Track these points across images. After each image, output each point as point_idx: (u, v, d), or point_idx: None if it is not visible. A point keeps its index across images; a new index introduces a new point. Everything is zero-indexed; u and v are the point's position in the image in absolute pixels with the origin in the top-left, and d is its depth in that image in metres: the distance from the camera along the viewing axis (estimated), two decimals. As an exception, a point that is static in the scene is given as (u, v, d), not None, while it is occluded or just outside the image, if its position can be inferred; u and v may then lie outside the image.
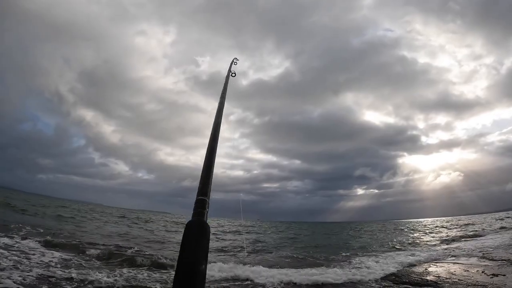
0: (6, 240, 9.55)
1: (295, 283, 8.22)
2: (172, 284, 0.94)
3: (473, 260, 10.62)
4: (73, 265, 8.22)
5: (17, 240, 10.03)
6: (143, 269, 8.80)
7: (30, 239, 10.53)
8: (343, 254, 14.12)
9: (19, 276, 6.32)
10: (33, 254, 8.50)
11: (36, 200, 39.15)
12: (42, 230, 13.20)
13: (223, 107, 1.81)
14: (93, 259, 9.32)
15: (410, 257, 12.59)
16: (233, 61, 2.86)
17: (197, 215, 1.12)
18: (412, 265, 10.79)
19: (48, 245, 10.14)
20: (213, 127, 1.58)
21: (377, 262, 11.59)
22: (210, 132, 1.51)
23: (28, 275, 6.54)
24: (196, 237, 1.03)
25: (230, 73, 2.56)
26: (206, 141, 1.44)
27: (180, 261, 0.97)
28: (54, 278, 6.71)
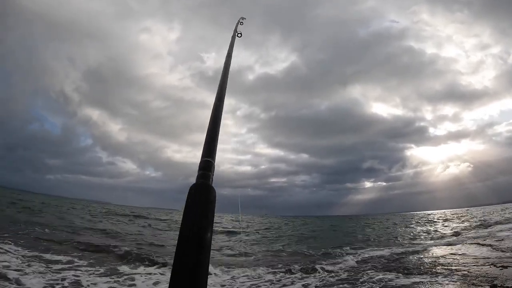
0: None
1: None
2: (174, 254, 0.84)
3: (483, 251, 10.55)
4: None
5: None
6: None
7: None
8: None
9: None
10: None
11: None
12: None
13: (229, 66, 1.82)
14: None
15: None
16: (239, 21, 2.70)
17: (201, 177, 1.00)
18: (420, 255, 10.81)
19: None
20: (220, 83, 1.56)
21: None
22: (211, 111, 1.48)
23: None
24: (200, 202, 0.92)
25: (236, 33, 2.45)
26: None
27: (183, 229, 0.87)
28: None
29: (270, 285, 7.83)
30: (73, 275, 7.12)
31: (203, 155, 1.09)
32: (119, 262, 9.21)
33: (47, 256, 8.65)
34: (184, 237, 0.85)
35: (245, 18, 2.77)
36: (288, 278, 8.46)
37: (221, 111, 1.37)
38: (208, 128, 1.23)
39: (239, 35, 2.49)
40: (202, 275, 0.82)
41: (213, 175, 1.03)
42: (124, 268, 8.41)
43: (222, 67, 1.77)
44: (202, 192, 0.95)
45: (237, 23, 2.65)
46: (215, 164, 1.09)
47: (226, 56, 1.95)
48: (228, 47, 2.09)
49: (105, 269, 8.03)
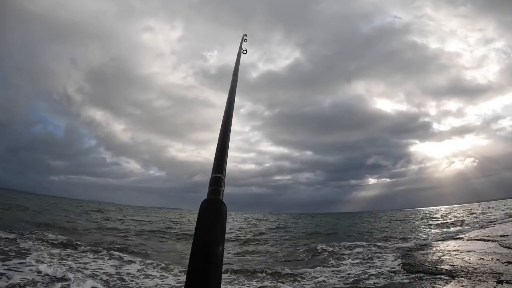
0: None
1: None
2: (187, 267, 0.86)
3: (488, 247, 10.52)
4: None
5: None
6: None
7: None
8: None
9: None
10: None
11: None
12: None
13: (236, 84, 1.82)
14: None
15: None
16: (242, 38, 2.77)
17: (212, 193, 1.04)
18: (425, 252, 10.80)
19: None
20: (227, 102, 1.57)
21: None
22: (220, 127, 1.45)
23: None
24: (212, 216, 0.94)
25: (242, 50, 2.51)
26: (217, 135, 1.39)
27: (195, 243, 0.89)
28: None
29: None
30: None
31: (213, 171, 1.11)
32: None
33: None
34: (196, 252, 0.87)
35: (247, 36, 2.82)
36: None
37: (230, 127, 1.37)
38: (217, 144, 1.25)
39: (244, 52, 2.53)
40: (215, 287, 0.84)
41: (223, 190, 1.06)
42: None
43: (230, 85, 1.77)
44: (213, 207, 0.97)
45: (242, 41, 2.71)
46: (225, 180, 1.11)
47: (233, 74, 1.95)
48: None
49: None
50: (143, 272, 8.42)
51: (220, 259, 0.87)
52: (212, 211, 0.96)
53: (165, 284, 7.53)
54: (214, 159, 1.17)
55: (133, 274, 8.12)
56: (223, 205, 0.99)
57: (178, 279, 7.81)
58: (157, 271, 8.58)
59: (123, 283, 7.29)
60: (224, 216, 0.96)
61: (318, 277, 8.31)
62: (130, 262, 9.47)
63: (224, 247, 0.92)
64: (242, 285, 7.79)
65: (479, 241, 12.30)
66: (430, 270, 8.06)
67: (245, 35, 2.83)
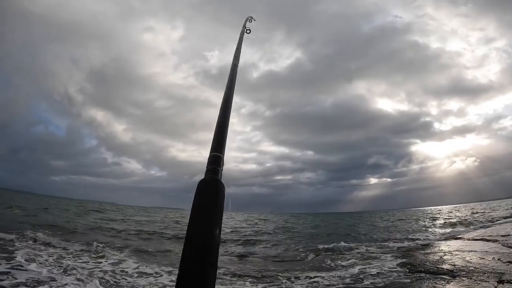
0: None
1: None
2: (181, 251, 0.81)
3: (489, 247, 10.46)
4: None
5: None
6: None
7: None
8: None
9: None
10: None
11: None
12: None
13: (238, 62, 1.80)
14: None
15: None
16: (247, 18, 2.70)
17: (210, 172, 0.98)
18: (426, 252, 10.74)
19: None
20: (229, 78, 1.55)
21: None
22: (221, 102, 1.41)
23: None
24: (209, 197, 0.90)
25: (245, 30, 2.44)
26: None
27: (191, 225, 0.84)
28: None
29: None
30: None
31: (212, 150, 1.05)
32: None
33: None
34: (192, 233, 0.83)
35: (253, 19, 2.76)
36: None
37: (231, 105, 1.34)
38: (217, 122, 1.19)
39: (248, 31, 2.48)
40: (211, 272, 0.79)
41: (222, 170, 1.01)
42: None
43: (231, 62, 1.76)
44: (211, 187, 0.93)
45: (246, 20, 2.66)
46: (224, 159, 1.05)
47: (235, 50, 1.95)
48: (235, 44, 2.09)
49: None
50: (138, 271, 8.40)
51: (217, 241, 0.83)
52: (210, 191, 0.91)
53: (159, 282, 7.51)
54: (213, 137, 1.11)
55: (129, 273, 8.10)
56: (222, 185, 0.94)
57: (172, 279, 7.78)
58: (153, 270, 8.55)
59: (119, 282, 7.27)
60: (222, 197, 0.91)
61: (318, 277, 8.26)
62: (128, 261, 9.43)
63: (221, 230, 0.87)
64: (238, 285, 7.74)
65: (480, 241, 12.24)
66: (431, 270, 8.00)
67: (251, 16, 2.74)
